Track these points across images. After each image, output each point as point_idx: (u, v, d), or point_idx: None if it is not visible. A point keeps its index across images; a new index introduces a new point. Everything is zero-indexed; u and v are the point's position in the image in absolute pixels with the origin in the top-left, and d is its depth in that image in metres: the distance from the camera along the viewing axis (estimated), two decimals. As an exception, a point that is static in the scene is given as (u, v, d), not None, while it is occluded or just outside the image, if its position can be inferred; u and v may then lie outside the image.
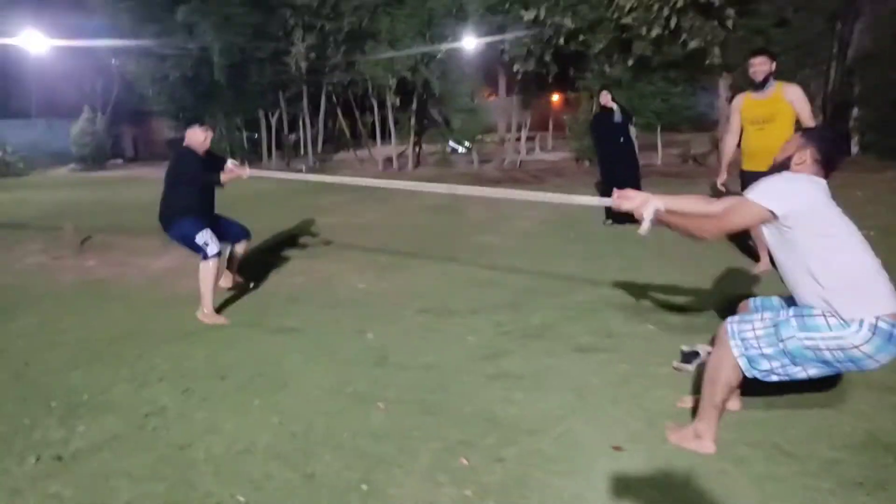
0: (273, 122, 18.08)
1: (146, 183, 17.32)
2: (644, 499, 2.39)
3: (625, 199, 2.97)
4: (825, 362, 2.45)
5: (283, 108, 17.58)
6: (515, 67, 12.13)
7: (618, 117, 7.65)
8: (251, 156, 18.41)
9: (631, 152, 7.80)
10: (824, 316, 2.41)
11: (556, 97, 21.56)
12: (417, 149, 16.07)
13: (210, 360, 3.99)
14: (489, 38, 12.47)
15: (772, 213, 2.47)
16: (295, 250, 7.18)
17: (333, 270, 6.12)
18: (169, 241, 5.17)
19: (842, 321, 2.37)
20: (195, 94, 16.89)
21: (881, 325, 2.32)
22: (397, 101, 14.40)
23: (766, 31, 10.75)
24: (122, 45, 15.15)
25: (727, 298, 4.54)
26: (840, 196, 7.14)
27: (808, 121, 4.95)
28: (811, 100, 11.76)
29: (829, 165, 2.63)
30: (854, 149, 11.22)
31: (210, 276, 4.70)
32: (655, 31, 10.47)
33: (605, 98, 7.76)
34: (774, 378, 2.56)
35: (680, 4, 9.91)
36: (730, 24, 10.52)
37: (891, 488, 2.37)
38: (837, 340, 2.37)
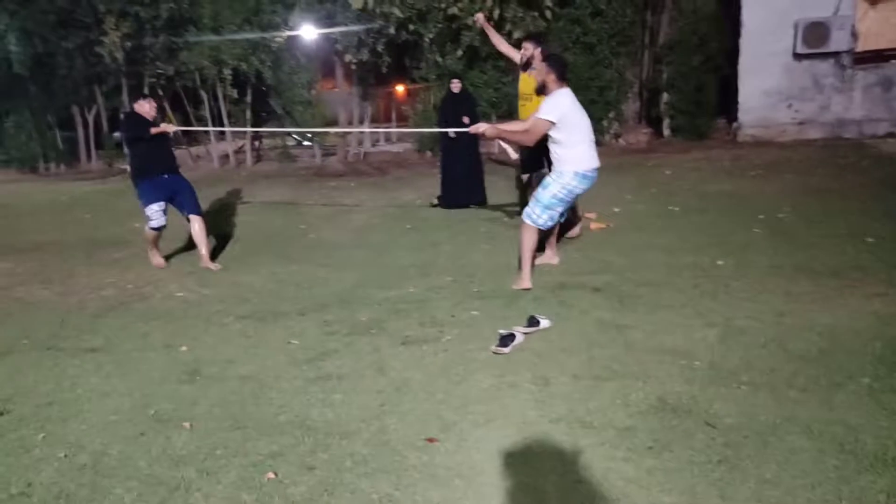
0: (91, 118, 16.43)
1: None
2: (451, 487, 2.39)
3: (475, 129, 4.87)
4: (563, 199, 4.54)
5: (100, 104, 16.01)
6: (348, 58, 11.91)
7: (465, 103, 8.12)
8: (68, 157, 16.66)
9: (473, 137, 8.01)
10: (560, 173, 4.48)
11: (400, 88, 21.58)
12: (257, 143, 15.35)
13: (-12, 393, 3.49)
14: (321, 29, 12.15)
15: (551, 121, 4.35)
16: (107, 258, 6.54)
17: (149, 278, 5.63)
18: None
19: (565, 172, 4.47)
20: (-9, 88, 14.92)
21: (583, 172, 4.47)
22: (234, 93, 13.64)
23: (583, 21, 11.41)
24: None
25: (547, 280, 4.75)
26: (651, 174, 7.63)
27: None
28: (630, 86, 12.91)
29: (564, 77, 4.46)
30: (665, 132, 12.26)
31: (148, 239, 5.96)
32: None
33: (456, 86, 8.11)
34: (550, 223, 4.63)
35: (503, -5, 10.25)
36: (549, 14, 11.03)
37: (676, 449, 2.55)
38: (565, 183, 4.48)
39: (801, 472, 2.33)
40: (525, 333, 3.70)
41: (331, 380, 3.38)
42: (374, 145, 16.41)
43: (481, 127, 4.80)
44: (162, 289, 5.33)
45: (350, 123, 14.60)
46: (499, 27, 11.07)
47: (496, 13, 10.56)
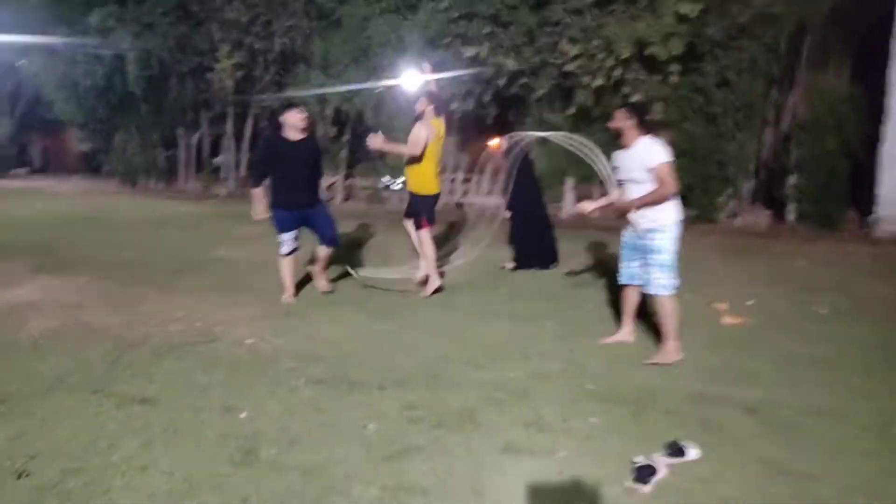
0: (193, 141, 16.84)
1: (42, 196, 15.71)
2: None
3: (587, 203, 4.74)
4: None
5: (204, 129, 16.39)
6: (454, 106, 11.55)
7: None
8: (167, 176, 17.06)
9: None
10: (665, 227, 4.20)
11: (495, 141, 21.11)
12: (348, 181, 15.21)
13: (14, 443, 2.96)
14: (429, 76, 11.89)
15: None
16: (183, 286, 6.15)
17: (220, 316, 5.13)
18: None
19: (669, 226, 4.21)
20: (108, 104, 15.52)
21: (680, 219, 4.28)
22: (333, 132, 13.56)
23: (708, 90, 10.61)
24: (26, 41, 13.74)
25: (680, 387, 3.87)
26: (781, 264, 6.42)
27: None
28: (747, 162, 11.85)
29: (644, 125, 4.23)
30: (789, 216, 11.13)
31: (283, 270, 5.73)
32: (598, 81, 10.13)
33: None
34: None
35: (625, 55, 9.62)
36: (673, 80, 10.32)
37: None
38: (675, 236, 4.23)
39: None
40: (668, 465, 2.85)
41: (414, 494, 2.64)
42: (464, 196, 15.95)
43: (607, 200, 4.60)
44: (231, 331, 4.79)
45: (443, 173, 14.24)
46: (618, 87, 10.48)
47: (616, 74, 9.94)
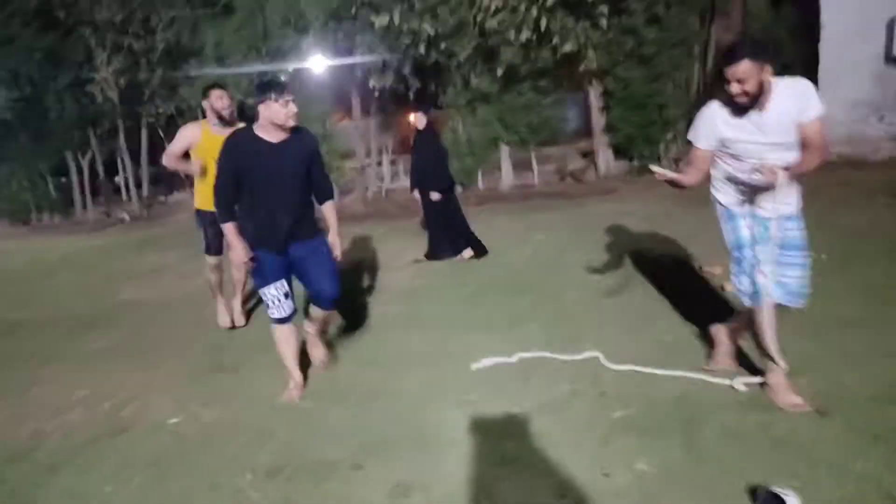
0: (85, 164, 15.09)
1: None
2: None
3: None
4: None
5: (95, 148, 14.68)
6: (371, 83, 10.47)
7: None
8: (62, 207, 15.26)
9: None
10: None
11: (412, 117, 20.08)
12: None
13: None
14: (337, 54, 10.74)
15: None
16: (82, 350, 4.98)
17: (134, 391, 4.04)
18: None
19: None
20: (-24, 136, 13.61)
21: None
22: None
23: (638, 30, 9.94)
24: None
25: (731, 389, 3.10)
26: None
27: None
28: (686, 102, 11.29)
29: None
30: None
31: (280, 346, 3.70)
32: (525, 35, 9.29)
33: (421, 120, 6.62)
34: None
35: (549, 3, 8.80)
36: (603, 23, 9.58)
37: None
38: None
39: None
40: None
41: None
42: (393, 180, 14.92)
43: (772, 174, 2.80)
44: (149, 410, 3.73)
45: (368, 156, 13.16)
46: (545, 39, 9.67)
47: (542, 24, 9.10)
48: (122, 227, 13.51)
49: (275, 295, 3.55)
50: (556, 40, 9.48)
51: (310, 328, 3.96)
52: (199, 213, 4.87)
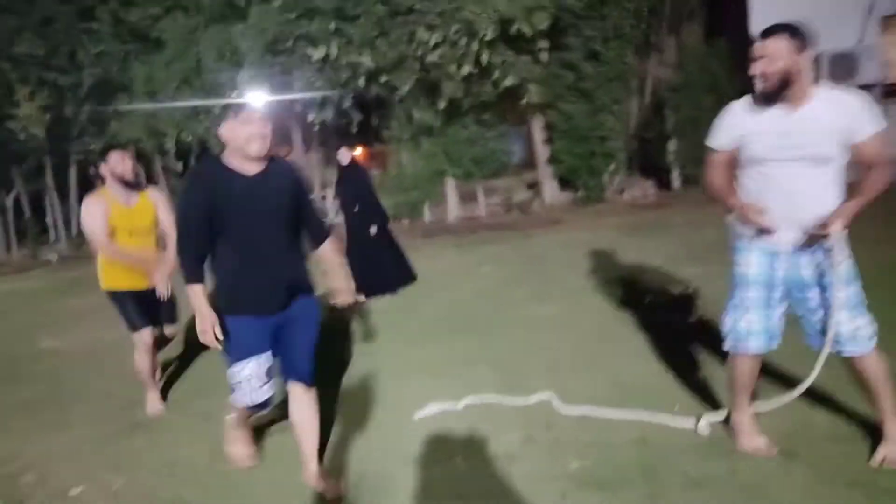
0: (9, 203, 14.25)
1: None
2: None
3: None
4: None
5: (19, 187, 13.89)
6: (310, 118, 10.20)
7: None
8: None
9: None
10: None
11: (358, 151, 19.88)
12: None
13: None
14: (275, 88, 10.45)
15: None
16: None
17: (36, 455, 3.56)
18: None
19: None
20: None
21: None
22: (179, 166, 11.72)
23: (577, 64, 10.04)
24: None
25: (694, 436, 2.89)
26: (694, 237, 5.21)
27: None
28: (626, 134, 11.43)
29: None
30: (675, 183, 10.85)
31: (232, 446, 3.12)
32: (466, 69, 9.23)
33: (345, 155, 6.34)
34: None
35: (490, 36, 8.77)
36: (543, 57, 9.64)
37: None
38: None
39: None
40: None
41: None
42: (337, 215, 14.60)
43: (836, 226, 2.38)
44: (50, 477, 3.28)
45: (311, 192, 12.83)
46: (486, 73, 9.65)
47: (484, 59, 9.07)
48: (50, 268, 12.72)
49: (253, 373, 2.70)
50: (497, 74, 9.47)
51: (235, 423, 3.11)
52: (109, 294, 3.94)
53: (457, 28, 8.86)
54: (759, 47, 2.39)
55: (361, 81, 9.57)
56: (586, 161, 10.69)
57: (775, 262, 2.58)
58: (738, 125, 2.56)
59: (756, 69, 2.40)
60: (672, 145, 10.72)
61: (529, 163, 12.87)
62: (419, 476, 2.85)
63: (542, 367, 4.00)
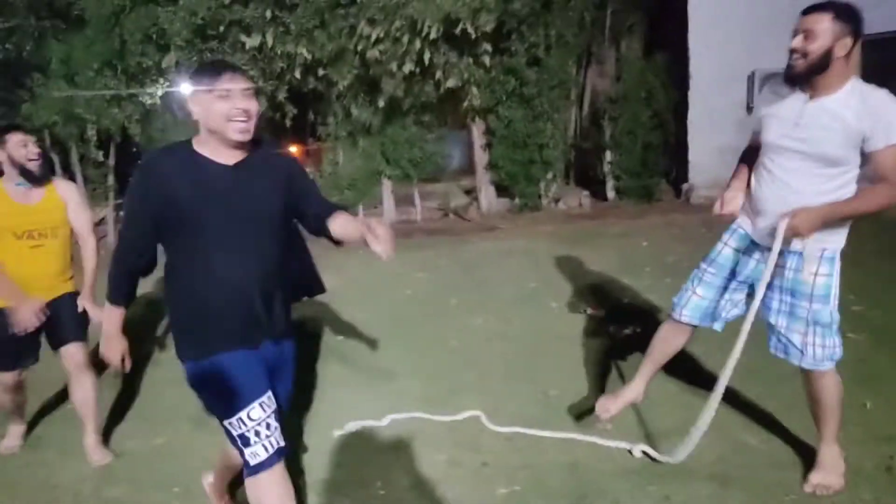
0: None
1: None
2: None
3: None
4: None
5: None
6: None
7: None
8: None
9: None
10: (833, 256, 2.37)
11: (293, 149, 19.34)
12: (120, 214, 12.59)
13: None
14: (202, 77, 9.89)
15: None
16: None
17: None
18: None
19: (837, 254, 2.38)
20: None
21: None
22: (99, 156, 11.00)
23: (520, 70, 9.95)
24: None
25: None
26: (626, 246, 5.10)
27: None
28: (564, 143, 11.43)
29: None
30: (610, 194, 10.92)
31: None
32: (407, 67, 8.99)
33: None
34: None
35: (433, 36, 8.57)
36: (486, 61, 9.49)
37: None
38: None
39: None
40: None
41: None
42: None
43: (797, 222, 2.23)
44: None
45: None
46: (428, 73, 9.42)
47: (426, 57, 8.85)
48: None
49: (261, 419, 2.01)
50: (439, 75, 9.27)
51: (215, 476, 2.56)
52: None
53: (400, 24, 8.61)
54: (802, 21, 2.22)
55: (297, 73, 9.17)
56: (525, 168, 10.62)
57: (755, 253, 2.49)
58: (762, 106, 2.48)
59: (794, 44, 2.22)
60: (608, 156, 10.78)
61: (468, 168, 12.73)
62: (332, 504, 2.58)
63: (473, 381, 3.80)
